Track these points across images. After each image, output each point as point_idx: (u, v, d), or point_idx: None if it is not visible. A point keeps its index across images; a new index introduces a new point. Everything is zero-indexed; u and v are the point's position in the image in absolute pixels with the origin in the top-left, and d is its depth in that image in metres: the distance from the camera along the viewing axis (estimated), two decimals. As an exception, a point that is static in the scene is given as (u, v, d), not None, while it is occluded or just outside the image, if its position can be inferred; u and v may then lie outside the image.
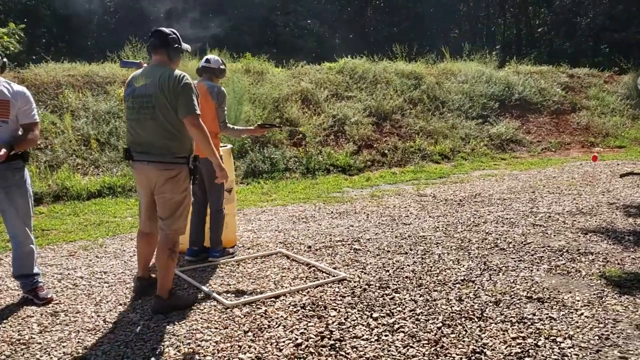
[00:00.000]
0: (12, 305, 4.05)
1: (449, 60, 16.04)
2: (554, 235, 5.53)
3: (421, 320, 3.61)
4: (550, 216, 6.33)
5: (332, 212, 6.91)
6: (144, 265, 4.11)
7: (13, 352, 3.30)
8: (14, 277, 4.13)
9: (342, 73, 13.46)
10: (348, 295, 4.05)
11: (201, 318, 3.72)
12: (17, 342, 3.43)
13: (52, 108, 9.73)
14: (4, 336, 3.52)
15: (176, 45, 3.79)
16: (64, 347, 3.35)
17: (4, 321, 3.77)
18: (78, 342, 3.42)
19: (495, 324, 3.53)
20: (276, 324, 3.59)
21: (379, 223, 6.28)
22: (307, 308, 3.83)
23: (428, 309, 3.77)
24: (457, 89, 14.05)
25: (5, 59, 3.87)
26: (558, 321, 3.54)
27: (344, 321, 3.60)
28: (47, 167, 8.50)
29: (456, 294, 4.05)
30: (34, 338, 3.48)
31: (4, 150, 3.69)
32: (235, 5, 28.53)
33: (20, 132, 3.98)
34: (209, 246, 5.08)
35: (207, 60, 4.98)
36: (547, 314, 3.66)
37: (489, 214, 6.53)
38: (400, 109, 12.64)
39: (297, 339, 3.36)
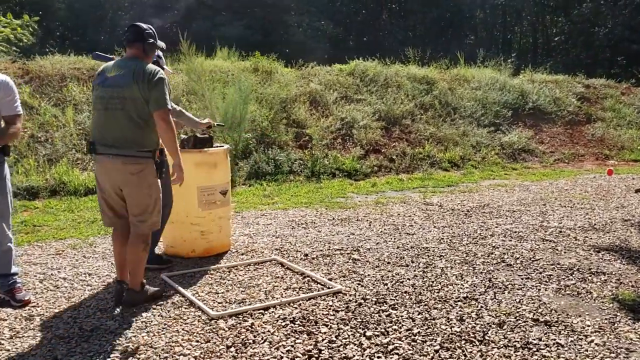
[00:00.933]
0: (-13, 307, 3.85)
1: (462, 66, 15.73)
2: (565, 252, 5.25)
3: (418, 341, 3.35)
4: (561, 231, 6.04)
5: (333, 219, 6.66)
6: (122, 267, 3.94)
7: (-23, 359, 3.09)
8: (-10, 277, 3.92)
9: (352, 75, 13.22)
10: (342, 310, 3.80)
11: (183, 329, 3.48)
12: (-16, 348, 3.22)
13: (55, 101, 9.55)
14: (-29, 341, 3.31)
15: (151, 40, 3.83)
16: (32, 355, 3.13)
17: (-25, 324, 3.56)
18: (49, 350, 3.19)
19: (498, 348, 3.26)
20: (262, 339, 3.35)
21: (381, 232, 6.03)
22: (296, 322, 3.58)
23: (426, 329, 3.51)
24: (469, 95, 13.75)
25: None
26: (566, 348, 3.27)
27: (334, 339, 3.35)
28: (45, 161, 8.32)
29: (457, 312, 3.78)
30: (2, 344, 3.26)
31: None
32: (249, 5, 28.37)
33: (2, 125, 3.79)
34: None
35: None
36: (555, 339, 3.39)
37: (496, 227, 6.25)
38: (410, 114, 12.37)
39: (282, 358, 3.11)
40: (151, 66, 3.69)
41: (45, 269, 4.68)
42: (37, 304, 3.90)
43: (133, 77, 3.59)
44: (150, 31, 3.82)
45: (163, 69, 4.70)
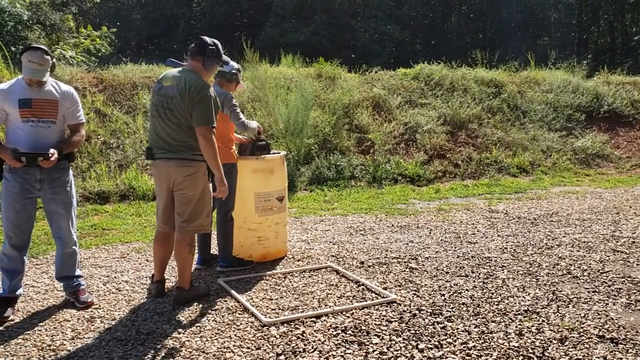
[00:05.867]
0: (53, 307, 4.03)
1: (533, 68, 15.20)
2: (637, 264, 4.94)
3: (472, 355, 3.23)
4: (634, 242, 5.70)
5: (392, 225, 6.56)
6: (160, 267, 4.21)
7: (41, 358, 3.23)
8: (56, 279, 4.10)
9: (417, 79, 13.03)
10: (395, 321, 3.73)
11: (235, 335, 3.52)
12: (48, 347, 3.36)
13: (126, 109, 9.93)
14: (37, 340, 3.47)
15: (213, 56, 3.94)
16: (91, 356, 3.24)
17: (41, 324, 3.73)
18: (106, 352, 3.30)
19: (558, 366, 3.10)
20: (312, 348, 3.33)
21: (441, 240, 5.89)
22: (348, 332, 3.54)
23: (482, 343, 3.39)
24: (540, 98, 13.27)
25: (54, 60, 3.84)
26: (633, 369, 3.07)
27: (385, 350, 3.29)
28: (116, 167, 8.66)
29: (516, 326, 3.63)
30: (64, 345, 3.40)
31: (55, 156, 3.69)
32: (316, 11, 28.61)
33: (67, 133, 3.97)
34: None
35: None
36: (621, 358, 3.19)
37: (564, 236, 5.98)
38: (477, 117, 12.05)
39: (331, 368, 3.09)
40: (199, 81, 3.80)
41: (109, 272, 4.86)
42: (99, 306, 4.05)
43: (180, 89, 3.76)
44: (214, 47, 3.93)
45: (238, 83, 4.82)
